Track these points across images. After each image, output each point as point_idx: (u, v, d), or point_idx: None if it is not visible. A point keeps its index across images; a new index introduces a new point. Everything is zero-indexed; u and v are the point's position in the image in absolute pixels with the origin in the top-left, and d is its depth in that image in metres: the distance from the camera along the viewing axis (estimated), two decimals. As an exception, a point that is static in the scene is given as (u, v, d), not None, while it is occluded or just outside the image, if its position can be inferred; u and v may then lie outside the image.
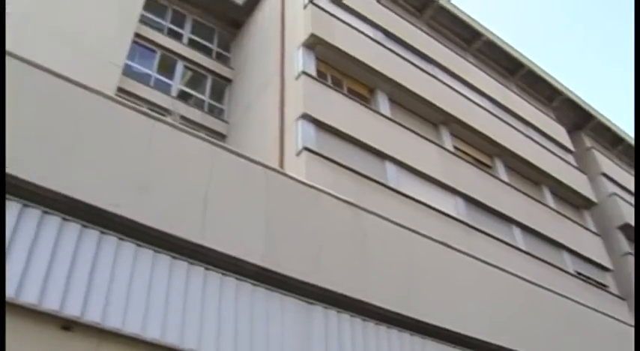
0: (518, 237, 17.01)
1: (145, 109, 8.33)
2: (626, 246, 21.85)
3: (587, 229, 20.44)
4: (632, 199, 24.49)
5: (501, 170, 18.74)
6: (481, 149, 18.63)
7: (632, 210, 23.50)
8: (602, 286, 18.96)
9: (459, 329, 9.75)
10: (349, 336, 8.23)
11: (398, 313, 8.95)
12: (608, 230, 21.96)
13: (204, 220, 7.52)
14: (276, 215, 8.48)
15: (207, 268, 7.25)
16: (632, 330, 14.82)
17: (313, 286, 8.11)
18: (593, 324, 13.63)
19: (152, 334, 6.34)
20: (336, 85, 15.82)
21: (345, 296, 8.43)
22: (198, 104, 18.16)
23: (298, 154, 13.18)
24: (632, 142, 27.74)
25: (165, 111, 16.12)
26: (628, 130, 27.99)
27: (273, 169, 9.09)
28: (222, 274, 7.37)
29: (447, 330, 9.57)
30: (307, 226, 8.85)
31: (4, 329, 5.33)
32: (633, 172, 26.93)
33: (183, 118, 16.13)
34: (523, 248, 16.66)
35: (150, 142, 7.69)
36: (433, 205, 14.84)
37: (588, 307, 13.66)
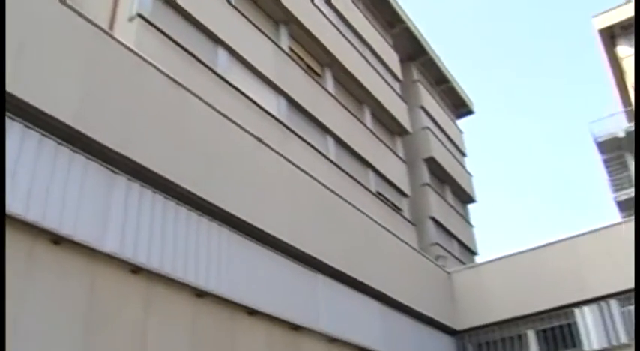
0: (331, 148, 17.28)
1: None
2: (427, 178, 23.19)
3: (396, 154, 21.31)
4: (442, 136, 25.90)
5: (329, 81, 18.78)
6: (315, 56, 18.47)
7: (440, 146, 24.89)
8: (397, 210, 20.00)
9: (259, 224, 9.72)
10: (149, 211, 7.87)
11: (201, 198, 8.73)
12: (414, 160, 23.12)
13: (19, 67, 6.72)
14: (95, 77, 7.77)
15: (12, 119, 6.49)
16: (420, 256, 15.84)
17: (119, 155, 7.59)
18: (387, 243, 14.33)
19: None
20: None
21: (151, 171, 8.02)
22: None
23: (131, 19, 12.19)
24: (455, 84, 29.15)
25: None
26: (455, 74, 29.27)
27: (101, 28, 8.19)
28: (26, 126, 6.63)
29: (248, 223, 9.51)
30: (126, 94, 8.22)
31: (4, 329, 5.38)
32: (448, 111, 28.45)
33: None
34: (334, 160, 16.97)
35: None
36: (257, 100, 14.53)
37: (384, 227, 14.30)
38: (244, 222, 9.44)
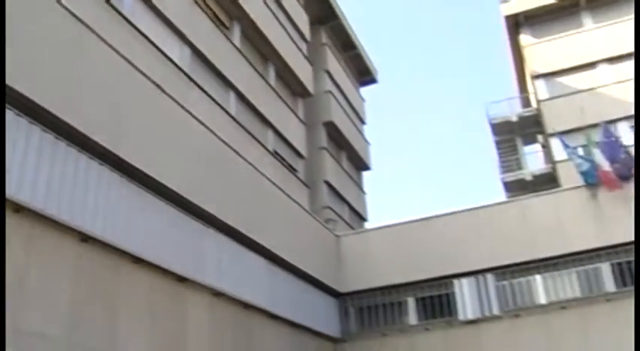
0: (232, 103, 17.12)
1: None
2: (325, 141, 23.44)
3: (296, 115, 21.38)
4: (344, 102, 26.18)
5: (237, 35, 18.47)
6: (224, 8, 18.06)
7: (341, 111, 25.16)
8: (293, 170, 20.16)
9: (151, 172, 9.57)
10: (35, 149, 7.57)
11: (91, 139, 8.48)
12: (314, 123, 23.27)
13: None
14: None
15: None
16: (311, 218, 16.08)
17: (8, 88, 7.18)
18: (279, 203, 14.48)
19: None
20: None
21: (40, 107, 7.68)
22: None
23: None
24: (362, 52, 29.41)
25: None
26: (364, 43, 29.47)
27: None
28: None
29: (139, 170, 9.35)
30: (25, 29, 7.76)
31: (3, 330, 5.50)
32: (352, 78, 28.71)
33: None
34: (234, 115, 16.83)
35: None
36: (161, 46, 14.11)
37: (277, 186, 14.41)
38: (136, 168, 9.26)
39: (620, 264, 15.31)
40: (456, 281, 16.21)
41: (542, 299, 15.62)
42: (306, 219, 15.93)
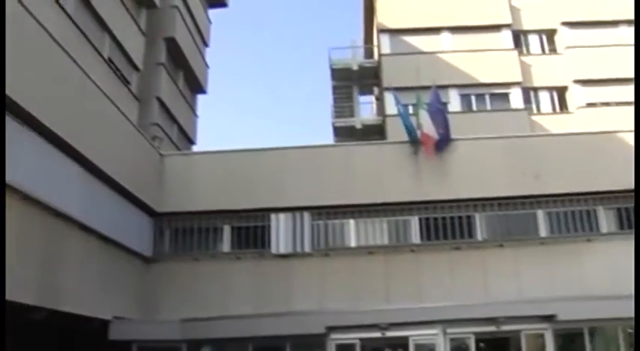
0: (70, 1, 15.86)
1: None
2: (163, 57, 22.53)
3: (138, 26, 20.32)
4: (189, 20, 25.21)
5: None
6: None
7: (185, 29, 24.24)
8: (126, 82, 19.25)
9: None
10: None
11: None
12: (155, 37, 22.22)
13: None
14: None
15: None
16: (136, 132, 15.48)
17: None
18: (104, 111, 13.76)
19: None
20: None
21: None
22: None
23: None
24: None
25: None
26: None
27: None
28: None
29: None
30: None
31: (4, 331, 5.70)
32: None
33: None
34: (71, 14, 15.62)
35: None
36: None
37: (106, 94, 13.68)
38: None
39: (427, 219, 16.53)
40: (273, 215, 16.59)
41: (353, 242, 16.50)
42: (131, 133, 15.33)
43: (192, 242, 16.72)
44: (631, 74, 24.24)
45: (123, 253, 14.61)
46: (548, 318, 14.03)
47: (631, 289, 13.73)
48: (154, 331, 14.56)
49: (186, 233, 16.80)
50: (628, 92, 24.41)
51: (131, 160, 15.11)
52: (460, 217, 16.59)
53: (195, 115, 27.24)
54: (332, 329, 14.02)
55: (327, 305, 15.34)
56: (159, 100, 22.00)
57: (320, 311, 14.83)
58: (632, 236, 15.94)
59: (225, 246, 16.69)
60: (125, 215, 14.77)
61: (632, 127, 17.69)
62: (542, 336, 14.14)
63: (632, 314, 13.12)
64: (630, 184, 15.61)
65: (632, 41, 25.08)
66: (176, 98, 24.03)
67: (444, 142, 16.73)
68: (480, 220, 16.57)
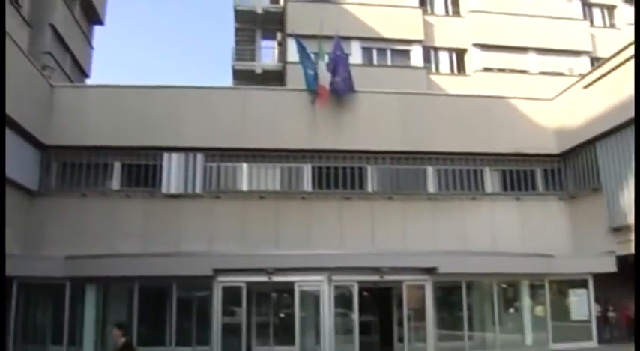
0: None
1: None
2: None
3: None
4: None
5: None
6: None
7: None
8: (16, 5, 18.13)
9: None
10: None
11: None
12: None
13: None
14: None
15: None
16: (25, 60, 14.69)
17: None
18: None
19: None
20: None
21: None
22: None
23: None
24: None
25: None
26: None
27: None
28: None
29: None
30: None
31: (4, 331, 4.90)
32: None
33: None
34: None
35: None
36: None
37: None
38: None
39: (320, 168, 16.83)
40: (166, 154, 16.38)
41: (245, 186, 16.59)
42: (20, 60, 14.54)
43: (81, 178, 16.28)
44: (529, 44, 25.78)
45: (7, 186, 13.99)
46: (429, 270, 14.73)
47: (509, 247, 14.79)
48: (35, 267, 14.14)
49: (75, 168, 16.32)
50: (524, 61, 25.67)
51: (18, 90, 14.34)
52: (352, 168, 17.01)
53: (91, 47, 26.06)
54: (219, 271, 14.14)
55: (215, 248, 15.44)
56: (52, 27, 20.87)
57: (208, 253, 14.91)
58: (514, 198, 17.04)
59: (115, 183, 16.38)
60: (9, 146, 14.10)
61: (524, 95, 18.68)
62: (422, 287, 14.85)
63: (508, 270, 14.11)
64: (516, 149, 16.56)
65: (542, 13, 26.40)
66: (71, 27, 22.87)
67: (344, 91, 16.94)
68: (371, 173, 17.06)
